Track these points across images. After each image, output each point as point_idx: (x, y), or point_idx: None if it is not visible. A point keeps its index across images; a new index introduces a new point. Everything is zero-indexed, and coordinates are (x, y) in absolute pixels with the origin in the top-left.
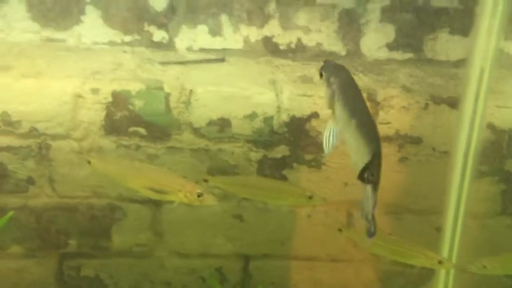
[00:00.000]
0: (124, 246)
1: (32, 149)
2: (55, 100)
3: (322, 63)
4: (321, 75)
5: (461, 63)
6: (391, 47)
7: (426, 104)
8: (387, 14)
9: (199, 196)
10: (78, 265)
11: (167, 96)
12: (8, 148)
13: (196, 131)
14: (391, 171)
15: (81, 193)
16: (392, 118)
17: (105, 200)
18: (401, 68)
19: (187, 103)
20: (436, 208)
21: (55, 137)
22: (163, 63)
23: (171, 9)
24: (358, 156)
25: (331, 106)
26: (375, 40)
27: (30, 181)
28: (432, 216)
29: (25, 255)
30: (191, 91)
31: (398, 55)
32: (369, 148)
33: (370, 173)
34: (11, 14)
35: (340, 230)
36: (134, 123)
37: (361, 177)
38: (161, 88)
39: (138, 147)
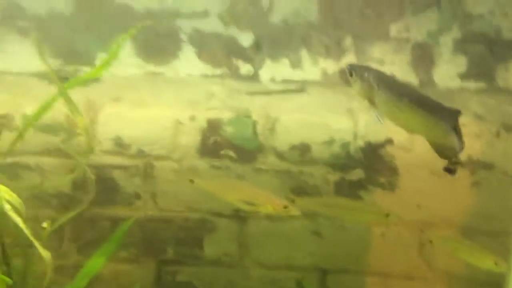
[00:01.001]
0: (214, 256)
1: (139, 168)
2: (158, 126)
3: (348, 67)
4: (351, 74)
5: None
6: (463, 77)
7: (498, 132)
8: (459, 45)
9: (285, 207)
10: (174, 271)
11: (254, 123)
12: (120, 167)
13: (279, 154)
14: (464, 194)
15: (178, 207)
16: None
17: (199, 214)
18: (473, 97)
19: (272, 129)
20: (508, 229)
21: (158, 158)
22: (249, 94)
23: (256, 45)
24: (424, 125)
25: (369, 97)
26: (448, 70)
27: (137, 195)
28: (504, 237)
29: (130, 259)
30: (275, 118)
31: (470, 85)
32: (433, 115)
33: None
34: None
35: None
36: (225, 146)
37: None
38: (249, 116)
39: (228, 168)
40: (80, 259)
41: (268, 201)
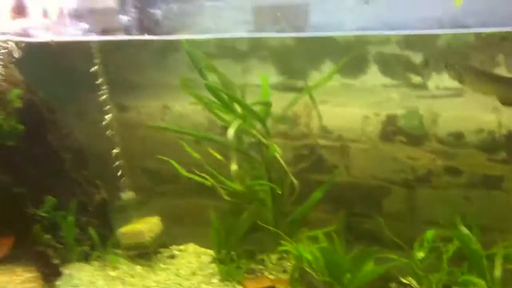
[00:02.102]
0: (389, 212)
1: (338, 148)
2: (353, 120)
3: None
4: (446, 66)
5: None
6: None
7: None
8: None
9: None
10: (360, 221)
11: (421, 116)
12: (325, 147)
13: (439, 139)
14: None
15: (364, 176)
16: None
17: (378, 181)
18: None
19: (434, 121)
20: None
21: (351, 141)
22: (418, 97)
23: (425, 63)
24: None
25: (462, 81)
26: None
27: (335, 166)
28: None
29: (329, 211)
30: (436, 113)
31: None
32: None
33: None
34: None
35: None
36: (398, 134)
37: None
38: (417, 112)
39: (400, 149)
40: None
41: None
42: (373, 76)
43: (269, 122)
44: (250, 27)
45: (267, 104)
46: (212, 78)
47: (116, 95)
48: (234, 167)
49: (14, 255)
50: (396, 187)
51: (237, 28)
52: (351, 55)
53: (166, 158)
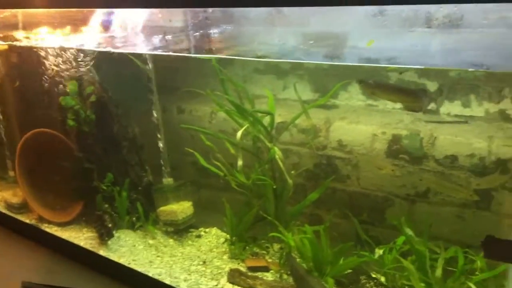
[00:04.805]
0: (391, 222)
1: (350, 160)
2: (363, 136)
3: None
4: (359, 82)
5: None
6: None
7: None
8: None
9: None
10: (367, 228)
11: (421, 139)
12: (339, 158)
13: (437, 161)
14: None
15: (372, 187)
16: None
17: (384, 193)
18: None
19: (432, 143)
20: None
21: (361, 155)
22: (426, 121)
23: (439, 90)
24: None
25: (374, 93)
26: None
27: (348, 177)
28: None
29: (341, 216)
30: (435, 137)
31: None
32: None
33: None
34: (354, 89)
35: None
36: (402, 152)
37: None
38: (418, 134)
39: (403, 166)
40: None
41: None
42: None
43: (291, 132)
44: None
45: (270, 115)
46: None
47: (175, 99)
48: (239, 162)
49: (82, 217)
50: (398, 200)
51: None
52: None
53: (191, 150)
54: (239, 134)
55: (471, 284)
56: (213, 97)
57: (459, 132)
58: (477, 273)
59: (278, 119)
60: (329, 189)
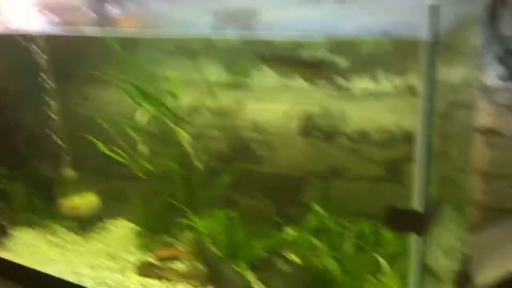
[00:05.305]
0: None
1: (264, 140)
2: (277, 115)
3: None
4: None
5: None
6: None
7: None
8: None
9: None
10: (283, 208)
11: (333, 115)
12: (253, 139)
13: (349, 136)
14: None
15: (287, 167)
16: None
17: (298, 172)
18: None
19: (344, 120)
20: None
21: (275, 135)
22: (340, 98)
23: (350, 66)
24: None
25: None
26: None
27: (262, 157)
28: None
29: (255, 198)
30: (347, 113)
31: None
32: None
33: None
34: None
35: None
36: (315, 130)
37: None
38: (330, 111)
39: (317, 144)
40: None
41: None
42: None
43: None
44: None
45: (175, 96)
46: None
47: (76, 84)
48: (143, 148)
49: None
50: (314, 178)
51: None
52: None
53: (92, 138)
54: (140, 117)
55: (380, 258)
56: (115, 81)
57: (369, 107)
58: (386, 246)
59: (189, 101)
60: (245, 172)
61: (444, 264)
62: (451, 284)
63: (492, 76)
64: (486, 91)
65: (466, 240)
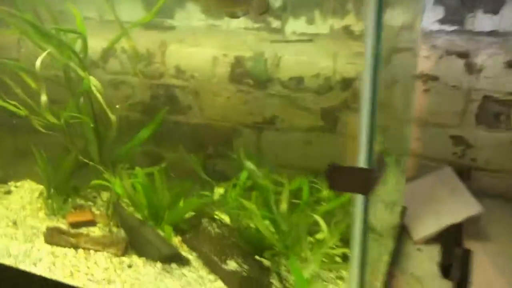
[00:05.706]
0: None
1: (190, 88)
2: (204, 60)
3: None
4: None
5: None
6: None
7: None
8: None
9: None
10: (214, 162)
11: (265, 60)
12: (178, 86)
13: (282, 83)
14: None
15: (217, 117)
16: None
17: (230, 123)
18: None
19: (277, 65)
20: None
21: (203, 81)
22: (272, 41)
23: (284, 6)
24: None
25: None
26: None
27: (189, 107)
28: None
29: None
30: (280, 57)
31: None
32: None
33: None
34: (193, 8)
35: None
36: (246, 76)
37: None
38: (263, 55)
39: (248, 92)
40: None
41: None
42: (239, 19)
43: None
44: None
45: (82, 37)
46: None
47: None
48: (43, 98)
49: None
50: (247, 129)
51: None
52: None
53: None
54: (38, 62)
55: (317, 216)
56: (9, 18)
57: (304, 51)
58: (323, 203)
59: (104, 44)
60: (170, 123)
61: (385, 218)
62: (391, 239)
63: (431, 19)
64: (425, 35)
65: (404, 192)
